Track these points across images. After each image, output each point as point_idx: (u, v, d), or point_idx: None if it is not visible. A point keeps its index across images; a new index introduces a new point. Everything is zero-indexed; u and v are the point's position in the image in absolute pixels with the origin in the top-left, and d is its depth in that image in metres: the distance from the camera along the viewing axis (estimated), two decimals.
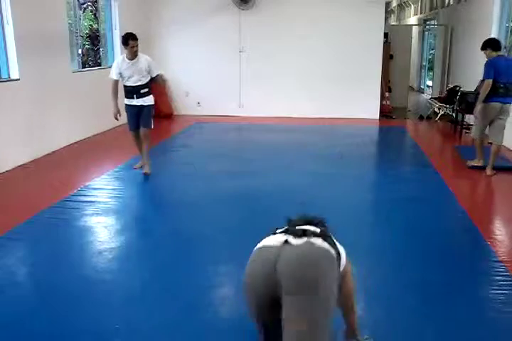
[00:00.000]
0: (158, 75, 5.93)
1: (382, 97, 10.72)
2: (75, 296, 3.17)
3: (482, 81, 5.97)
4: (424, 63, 17.02)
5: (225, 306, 3.14)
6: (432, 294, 3.20)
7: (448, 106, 9.42)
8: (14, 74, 6.35)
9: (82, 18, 8.97)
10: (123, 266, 3.69)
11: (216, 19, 10.19)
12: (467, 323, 2.88)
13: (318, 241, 1.99)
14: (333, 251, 2.00)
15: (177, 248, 3.92)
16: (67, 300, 3.11)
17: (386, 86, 11.12)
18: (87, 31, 9.49)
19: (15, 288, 3.29)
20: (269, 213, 4.11)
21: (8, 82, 6.28)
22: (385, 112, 10.70)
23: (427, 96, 14.44)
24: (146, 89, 5.80)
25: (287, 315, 1.87)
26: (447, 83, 11.56)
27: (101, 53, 9.44)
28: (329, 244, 2.02)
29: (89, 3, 9.37)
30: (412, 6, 19.15)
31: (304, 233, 2.00)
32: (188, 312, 2.98)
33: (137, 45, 5.61)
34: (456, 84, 9.74)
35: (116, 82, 5.78)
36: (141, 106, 5.82)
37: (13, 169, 6.16)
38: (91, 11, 9.56)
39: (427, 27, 16.35)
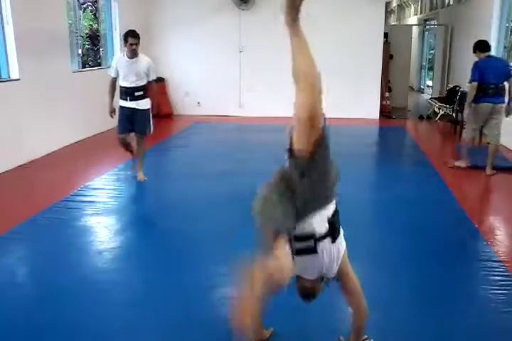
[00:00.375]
0: (153, 80, 5.63)
1: (382, 97, 10.71)
2: (74, 296, 3.17)
3: (470, 82, 6.03)
4: (424, 63, 17.01)
5: (225, 306, 3.13)
6: (431, 294, 3.20)
7: (448, 106, 9.43)
8: (14, 74, 6.36)
9: (82, 18, 8.97)
10: (123, 266, 3.69)
11: (216, 19, 10.20)
12: (467, 323, 2.88)
13: None
14: None
15: (177, 248, 3.92)
16: (67, 300, 3.11)
17: (386, 86, 11.11)
18: (87, 31, 9.49)
19: (15, 288, 3.29)
20: None
21: (8, 82, 6.29)
22: (385, 112, 10.70)
23: (426, 96, 14.45)
24: (140, 92, 5.52)
25: None
26: (447, 83, 11.56)
27: (101, 53, 9.44)
28: None
29: (89, 3, 9.38)
30: (412, 6, 19.15)
31: None
32: (188, 312, 2.98)
33: (137, 44, 5.35)
34: (456, 84, 9.75)
35: (113, 79, 5.60)
36: (134, 110, 5.53)
37: (13, 169, 6.16)
38: (91, 11, 9.56)
39: (427, 27, 16.35)
